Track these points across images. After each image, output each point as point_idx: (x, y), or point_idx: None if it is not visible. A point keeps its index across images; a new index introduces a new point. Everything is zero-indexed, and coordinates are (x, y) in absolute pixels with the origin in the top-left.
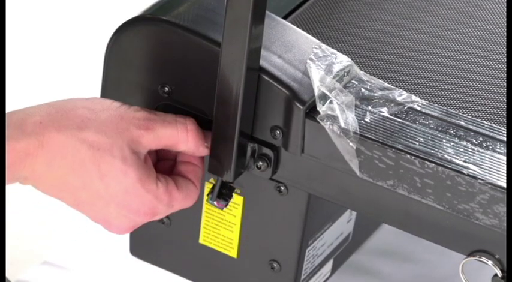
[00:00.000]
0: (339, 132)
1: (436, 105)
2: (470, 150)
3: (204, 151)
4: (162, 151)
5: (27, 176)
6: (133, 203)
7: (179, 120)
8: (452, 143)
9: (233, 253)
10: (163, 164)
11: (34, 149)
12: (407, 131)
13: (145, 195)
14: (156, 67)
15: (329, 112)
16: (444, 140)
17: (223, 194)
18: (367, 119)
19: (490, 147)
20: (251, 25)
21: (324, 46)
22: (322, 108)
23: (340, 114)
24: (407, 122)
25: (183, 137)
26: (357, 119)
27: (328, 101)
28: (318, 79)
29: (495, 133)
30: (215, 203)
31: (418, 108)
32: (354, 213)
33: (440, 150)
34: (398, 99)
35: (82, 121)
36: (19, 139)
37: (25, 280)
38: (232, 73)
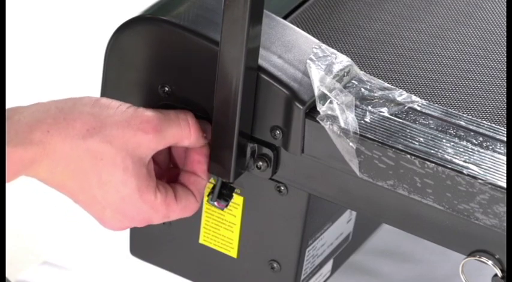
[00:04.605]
0: (339, 132)
1: (436, 105)
2: (470, 150)
3: (203, 141)
4: (172, 157)
5: (29, 177)
6: (129, 211)
7: (181, 116)
8: (452, 143)
9: (233, 253)
10: (172, 172)
11: (40, 157)
12: (407, 131)
13: (142, 205)
14: (156, 67)
15: (329, 112)
16: (444, 140)
17: (223, 195)
18: (367, 119)
19: (490, 147)
20: (248, 25)
21: (324, 46)
22: (322, 108)
23: (340, 114)
24: (407, 122)
25: (186, 133)
26: (357, 119)
27: (328, 101)
28: (318, 79)
29: (495, 133)
30: (215, 203)
31: (418, 108)
32: (354, 213)
33: (440, 150)
34: (398, 99)
35: (87, 130)
36: (27, 149)
37: (25, 280)
38: (230, 73)
